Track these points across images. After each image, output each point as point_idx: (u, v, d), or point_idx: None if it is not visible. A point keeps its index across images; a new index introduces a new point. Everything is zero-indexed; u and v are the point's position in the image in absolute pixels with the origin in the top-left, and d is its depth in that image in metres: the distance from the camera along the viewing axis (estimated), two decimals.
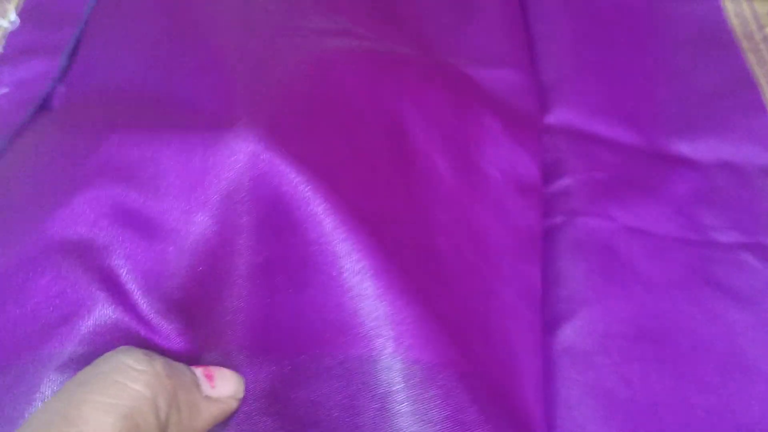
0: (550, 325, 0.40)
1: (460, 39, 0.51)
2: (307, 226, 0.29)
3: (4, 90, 0.43)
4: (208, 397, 0.26)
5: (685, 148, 0.50)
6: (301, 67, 0.36)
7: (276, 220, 0.30)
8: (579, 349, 0.40)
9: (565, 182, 0.47)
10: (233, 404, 0.28)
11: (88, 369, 0.23)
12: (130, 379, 0.22)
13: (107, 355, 0.24)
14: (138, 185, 0.30)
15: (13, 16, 0.50)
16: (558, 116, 0.50)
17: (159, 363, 0.24)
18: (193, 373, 0.26)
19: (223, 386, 0.27)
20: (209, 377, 0.27)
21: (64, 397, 0.22)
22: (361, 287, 0.28)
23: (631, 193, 0.47)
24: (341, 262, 0.28)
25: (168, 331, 0.29)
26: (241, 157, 0.29)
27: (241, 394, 0.28)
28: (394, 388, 0.27)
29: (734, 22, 0.59)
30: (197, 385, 0.26)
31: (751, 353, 0.39)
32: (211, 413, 0.26)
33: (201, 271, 0.29)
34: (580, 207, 0.45)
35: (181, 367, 0.26)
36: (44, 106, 0.42)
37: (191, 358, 0.29)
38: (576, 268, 0.43)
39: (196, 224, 0.29)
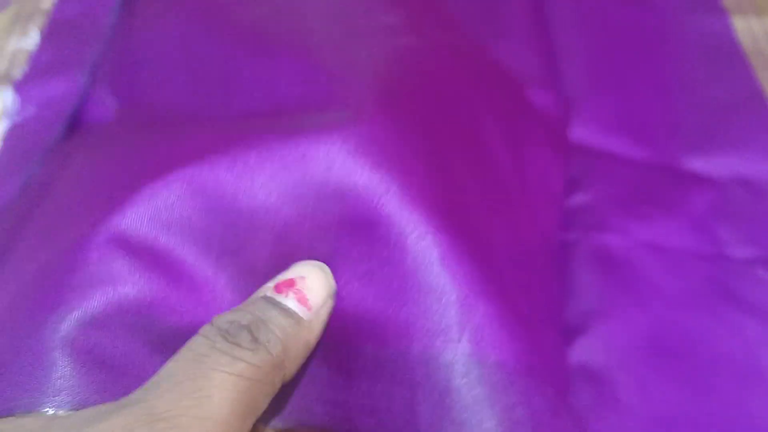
0: (565, 339, 0.41)
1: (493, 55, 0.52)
2: (382, 232, 0.30)
3: (31, 110, 0.44)
4: (309, 323, 0.26)
5: (699, 163, 0.50)
6: (384, 66, 0.37)
7: (352, 218, 0.30)
8: (596, 364, 0.40)
9: (581, 198, 0.47)
10: (330, 305, 0.28)
11: (202, 341, 0.24)
12: (249, 356, 0.24)
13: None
14: (221, 181, 0.31)
15: (35, 35, 0.51)
16: (574, 132, 0.51)
17: (273, 338, 0.25)
18: (298, 317, 0.26)
19: (317, 294, 0.27)
20: (302, 301, 0.27)
21: (192, 361, 0.23)
22: (429, 283, 0.28)
23: (646, 208, 0.47)
24: (413, 258, 0.29)
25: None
26: (332, 158, 0.30)
27: (334, 287, 0.29)
28: (456, 385, 0.27)
29: (744, 38, 0.59)
30: (304, 329, 0.26)
31: None
32: (311, 340, 0.27)
33: (266, 253, 0.30)
34: (596, 222, 0.46)
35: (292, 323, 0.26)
36: (78, 122, 0.44)
37: None
38: (592, 283, 0.43)
39: (276, 213, 0.31)
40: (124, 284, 0.28)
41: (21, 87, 0.47)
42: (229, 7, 0.46)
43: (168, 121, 0.39)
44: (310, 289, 0.27)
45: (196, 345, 0.24)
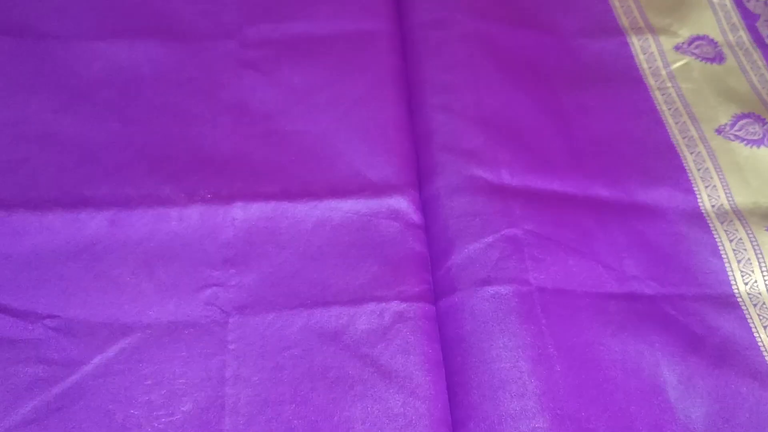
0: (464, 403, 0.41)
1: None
2: None
3: None
4: None
5: (602, 192, 0.49)
6: None
7: None
8: None
9: (467, 249, 0.45)
10: None
11: None
12: None
13: None
14: None
15: None
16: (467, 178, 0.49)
17: None
18: None
19: None
20: None
21: None
22: None
23: (547, 247, 0.45)
24: None
25: None
26: None
27: None
28: None
29: (641, 58, 0.59)
30: None
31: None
32: None
33: None
34: (487, 275, 0.44)
35: None
36: None
37: None
38: (491, 342, 0.41)
39: None
40: None
41: None
42: None
43: None
44: None
45: None
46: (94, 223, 0.45)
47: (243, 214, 0.47)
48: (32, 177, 0.47)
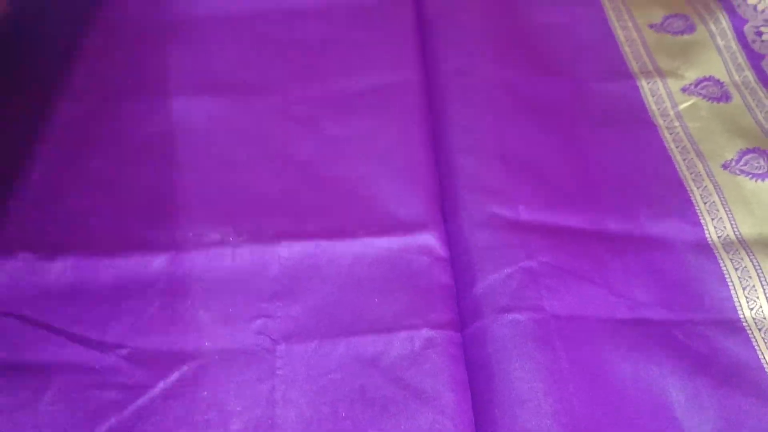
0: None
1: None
2: None
3: None
4: None
5: (614, 225, 0.53)
6: None
7: None
8: None
9: (489, 280, 0.50)
10: None
11: None
12: None
13: None
14: None
15: None
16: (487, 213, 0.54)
17: None
18: None
19: None
20: None
21: None
22: None
23: (561, 278, 0.49)
24: None
25: None
26: None
27: None
28: None
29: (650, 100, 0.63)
30: None
31: None
32: None
33: None
34: (506, 303, 0.48)
35: None
36: None
37: None
38: (509, 364, 0.46)
39: None
40: None
41: None
42: None
43: None
44: None
45: None
46: (156, 263, 0.51)
47: (288, 252, 0.52)
48: (100, 222, 0.54)
